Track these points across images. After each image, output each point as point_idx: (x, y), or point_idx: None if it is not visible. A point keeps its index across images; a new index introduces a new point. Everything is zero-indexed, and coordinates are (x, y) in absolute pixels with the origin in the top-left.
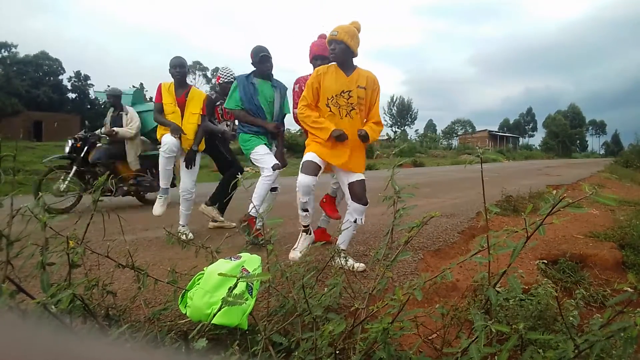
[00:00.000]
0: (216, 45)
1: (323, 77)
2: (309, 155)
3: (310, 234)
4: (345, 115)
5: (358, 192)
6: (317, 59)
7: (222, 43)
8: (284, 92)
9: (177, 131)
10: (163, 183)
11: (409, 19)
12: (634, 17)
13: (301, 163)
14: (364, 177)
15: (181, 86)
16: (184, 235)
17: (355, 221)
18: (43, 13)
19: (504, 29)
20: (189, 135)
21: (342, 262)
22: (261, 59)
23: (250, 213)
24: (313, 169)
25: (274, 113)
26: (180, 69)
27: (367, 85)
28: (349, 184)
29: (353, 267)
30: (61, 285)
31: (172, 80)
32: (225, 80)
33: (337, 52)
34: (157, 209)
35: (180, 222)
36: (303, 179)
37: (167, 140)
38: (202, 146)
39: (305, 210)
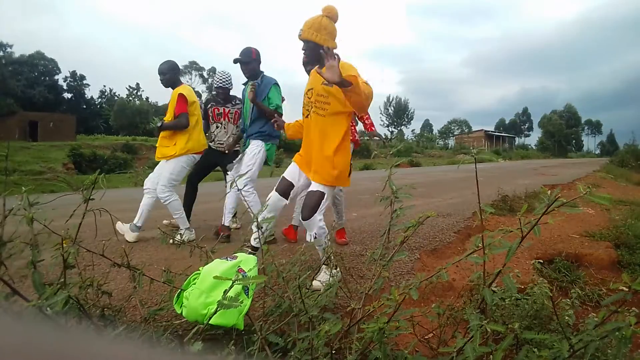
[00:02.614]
0: (213, 45)
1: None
2: (287, 170)
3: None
4: (307, 116)
5: (304, 203)
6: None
7: (219, 43)
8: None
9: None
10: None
11: (404, 18)
12: (629, 18)
13: None
14: (318, 189)
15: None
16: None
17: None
18: (39, 13)
19: (499, 29)
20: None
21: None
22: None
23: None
24: (282, 187)
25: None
26: (161, 77)
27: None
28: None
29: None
30: (54, 288)
31: None
32: (216, 85)
33: (307, 52)
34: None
35: (181, 226)
36: (272, 194)
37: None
38: (198, 146)
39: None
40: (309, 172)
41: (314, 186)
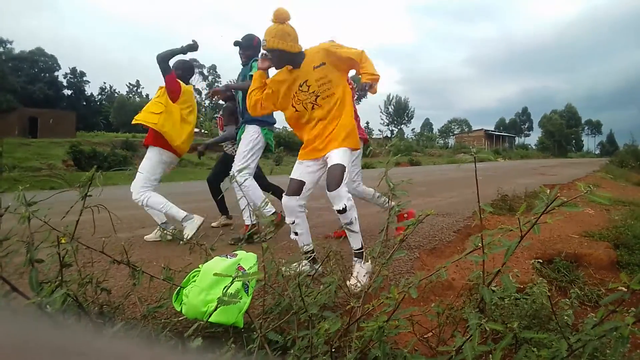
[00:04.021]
0: (213, 43)
1: (281, 78)
2: (293, 171)
3: (314, 261)
4: (312, 108)
5: (327, 178)
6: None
7: (220, 40)
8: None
9: None
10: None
11: (403, 17)
12: (629, 17)
13: None
14: (338, 162)
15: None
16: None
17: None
18: (40, 9)
19: (500, 28)
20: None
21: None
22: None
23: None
24: (294, 188)
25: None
26: (178, 72)
27: (322, 59)
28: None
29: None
30: (52, 285)
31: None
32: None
33: (275, 61)
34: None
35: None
36: (283, 199)
37: None
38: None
39: (295, 233)
40: (322, 152)
41: (334, 159)
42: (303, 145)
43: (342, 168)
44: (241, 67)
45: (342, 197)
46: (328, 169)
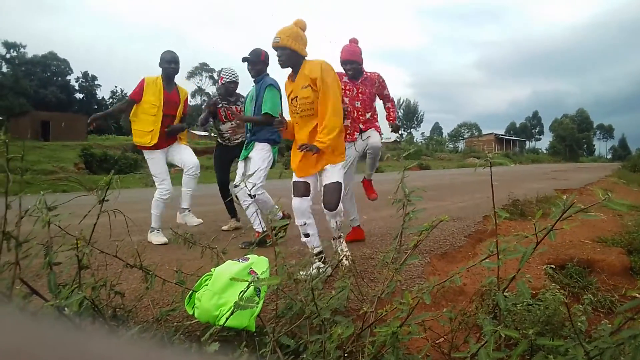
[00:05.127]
0: (223, 46)
1: (286, 87)
2: (294, 175)
3: (325, 262)
4: (296, 123)
5: (326, 198)
6: (345, 63)
7: (228, 44)
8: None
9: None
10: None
11: (413, 20)
12: None
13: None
14: (332, 181)
15: (170, 83)
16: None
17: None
18: (51, 14)
19: (510, 32)
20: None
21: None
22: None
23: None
24: (302, 189)
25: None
26: (175, 65)
27: (310, 82)
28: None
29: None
30: (71, 288)
31: (161, 75)
32: (228, 80)
33: (283, 59)
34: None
35: (184, 205)
36: (293, 202)
37: (169, 187)
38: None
39: (306, 235)
40: (315, 168)
41: (329, 177)
42: (296, 158)
43: (339, 187)
44: (252, 80)
45: (339, 214)
46: (325, 186)
